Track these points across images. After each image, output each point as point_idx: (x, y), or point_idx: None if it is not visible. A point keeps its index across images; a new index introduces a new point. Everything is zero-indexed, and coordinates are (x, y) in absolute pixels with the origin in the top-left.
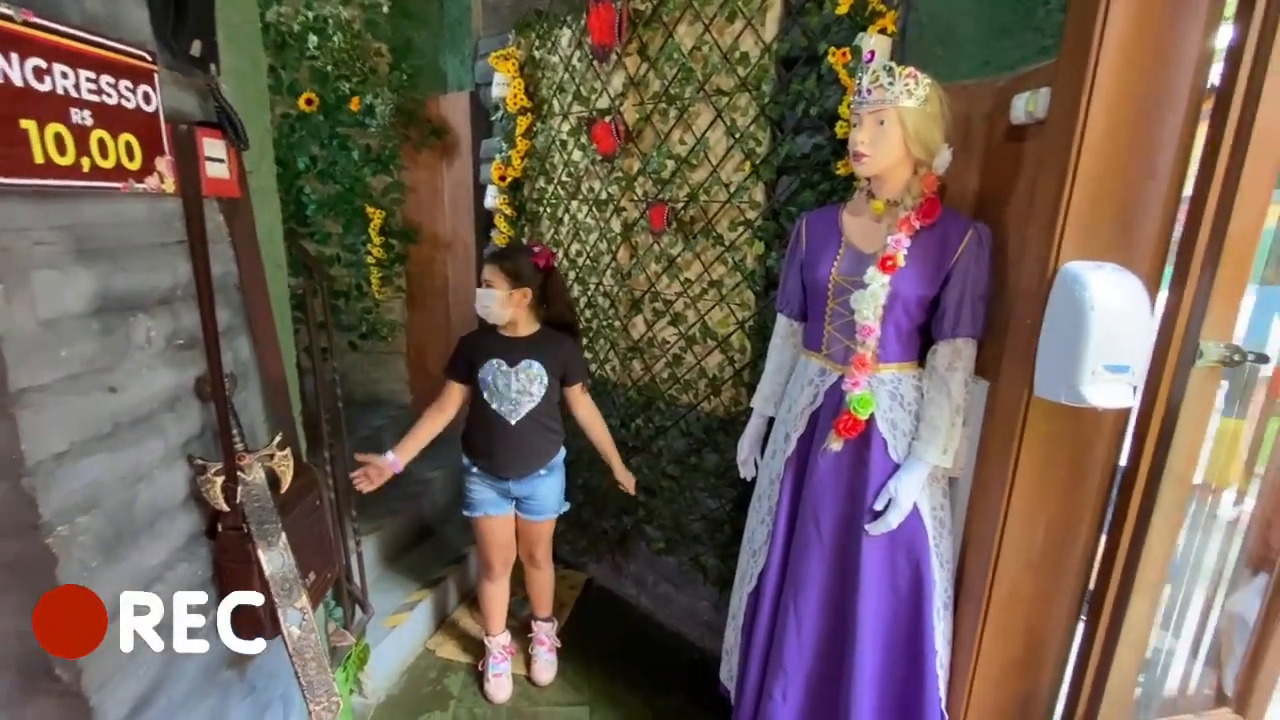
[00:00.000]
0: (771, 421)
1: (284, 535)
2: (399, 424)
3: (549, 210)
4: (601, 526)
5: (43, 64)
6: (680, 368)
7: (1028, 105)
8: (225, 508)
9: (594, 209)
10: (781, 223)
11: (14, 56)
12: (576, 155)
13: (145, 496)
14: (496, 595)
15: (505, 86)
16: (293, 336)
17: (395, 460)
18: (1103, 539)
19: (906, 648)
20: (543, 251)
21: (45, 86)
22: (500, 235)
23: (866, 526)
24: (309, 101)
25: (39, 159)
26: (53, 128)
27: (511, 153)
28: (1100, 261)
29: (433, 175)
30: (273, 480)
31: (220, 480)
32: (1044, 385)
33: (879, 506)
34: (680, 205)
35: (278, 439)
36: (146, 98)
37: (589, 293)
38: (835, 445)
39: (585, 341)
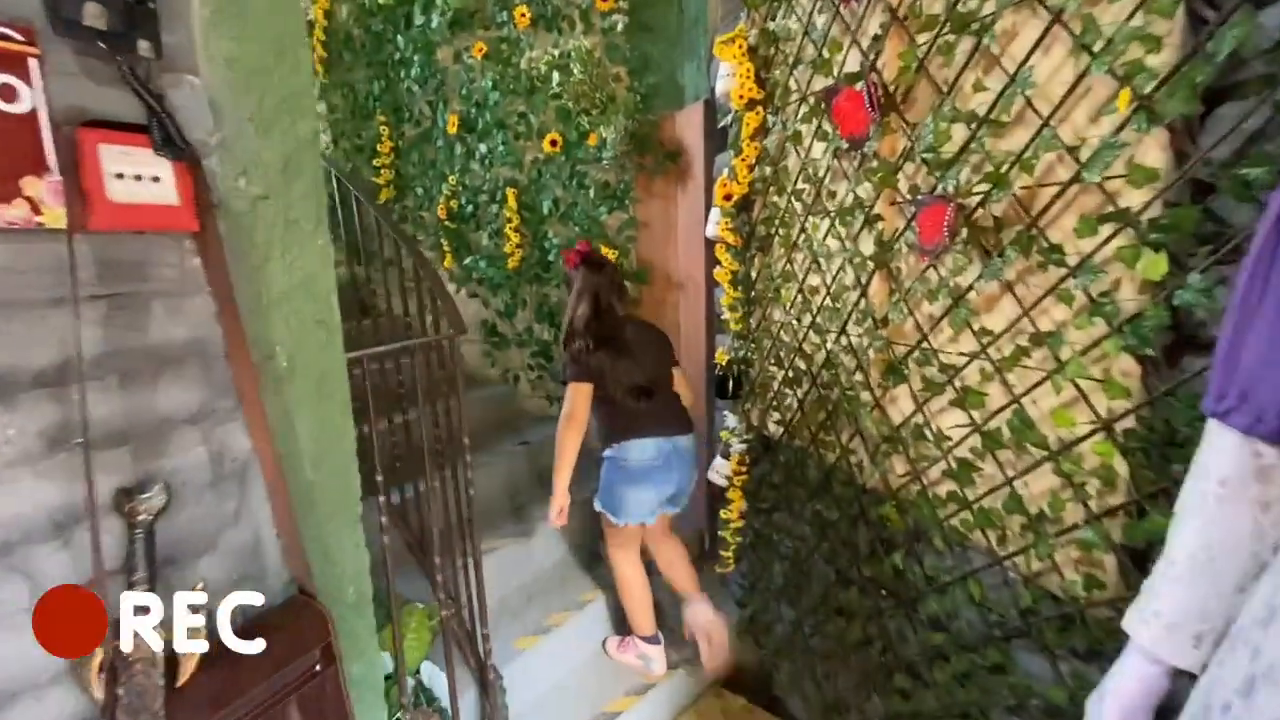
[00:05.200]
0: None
1: None
2: None
3: (782, 233)
4: (837, 692)
5: None
6: (975, 485)
7: None
8: (97, 696)
9: (836, 223)
10: (1212, 209)
11: None
12: (816, 151)
13: None
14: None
15: (730, 76)
16: (351, 419)
17: None
18: None
19: None
20: (568, 254)
21: None
22: (722, 271)
23: None
24: (553, 143)
25: None
26: None
27: (737, 162)
28: None
29: (666, 206)
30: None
31: (96, 659)
32: None
33: None
34: (976, 198)
35: (199, 586)
36: (8, 94)
37: (826, 347)
38: None
39: (822, 416)
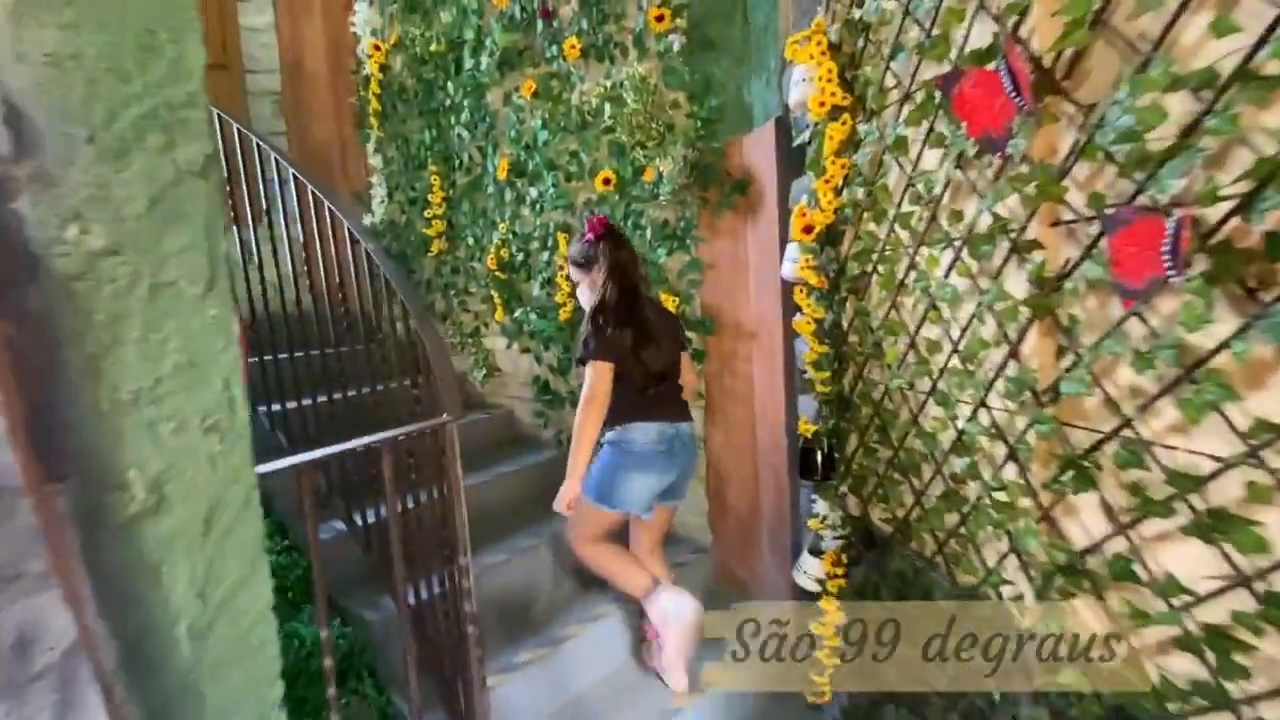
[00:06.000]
0: None
1: None
2: (696, 570)
3: (882, 271)
4: None
5: None
6: (1247, 676)
7: None
8: None
9: (964, 254)
10: None
11: None
12: (929, 160)
13: None
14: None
15: (807, 82)
16: (265, 563)
17: None
18: None
19: None
20: (592, 222)
21: None
22: (803, 320)
23: None
24: (606, 181)
25: None
26: None
27: (819, 185)
28: None
29: (734, 244)
30: None
31: None
32: None
33: None
34: (1226, 206)
35: None
36: None
37: (956, 424)
38: None
39: (954, 520)
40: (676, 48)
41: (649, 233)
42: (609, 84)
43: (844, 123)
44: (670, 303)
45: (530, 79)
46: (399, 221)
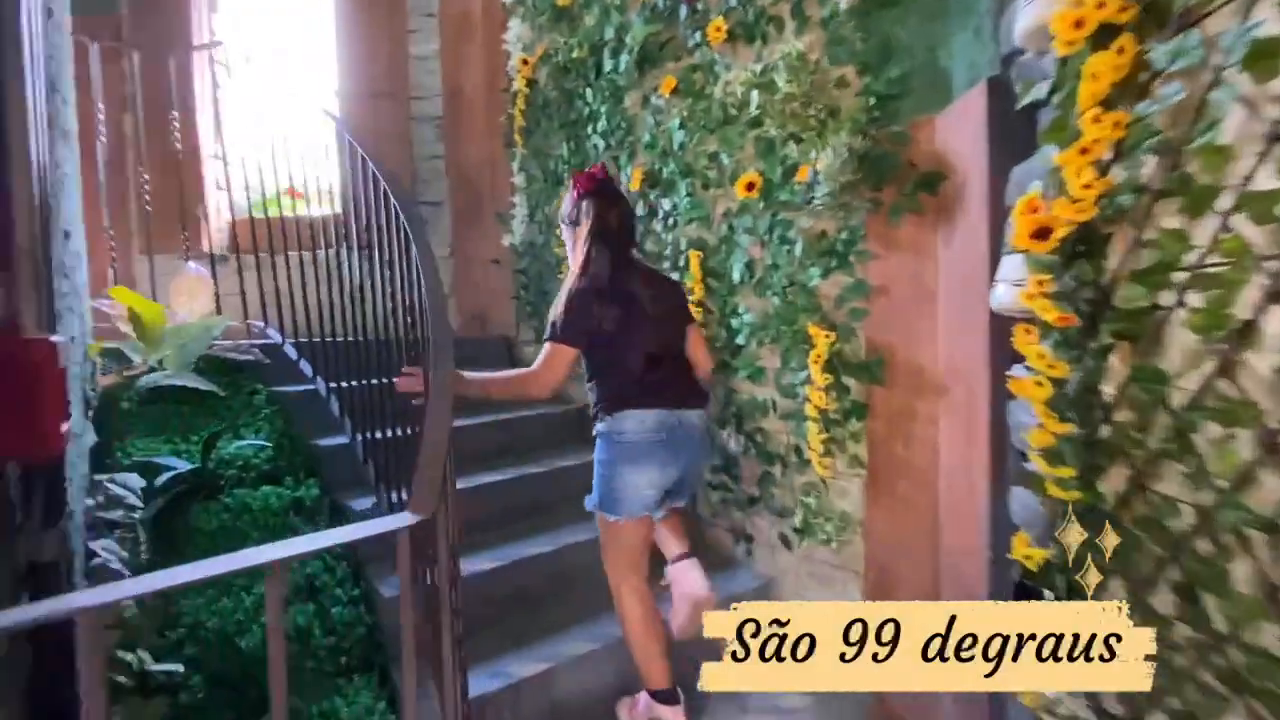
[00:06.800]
0: None
1: None
2: (846, 705)
3: (1202, 301)
4: None
5: None
6: None
7: None
8: None
9: None
10: None
11: None
12: None
13: None
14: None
15: (1052, 4)
16: None
17: None
18: None
19: None
20: (579, 176)
21: None
22: (1030, 381)
23: None
24: (749, 186)
25: None
26: None
27: (1066, 159)
28: None
29: (917, 261)
30: None
31: None
32: None
33: None
34: None
35: None
36: None
37: None
38: None
39: None
40: (844, 6)
41: (799, 248)
42: (759, 68)
43: (1120, 53)
44: (823, 338)
45: (670, 75)
46: (537, 242)
